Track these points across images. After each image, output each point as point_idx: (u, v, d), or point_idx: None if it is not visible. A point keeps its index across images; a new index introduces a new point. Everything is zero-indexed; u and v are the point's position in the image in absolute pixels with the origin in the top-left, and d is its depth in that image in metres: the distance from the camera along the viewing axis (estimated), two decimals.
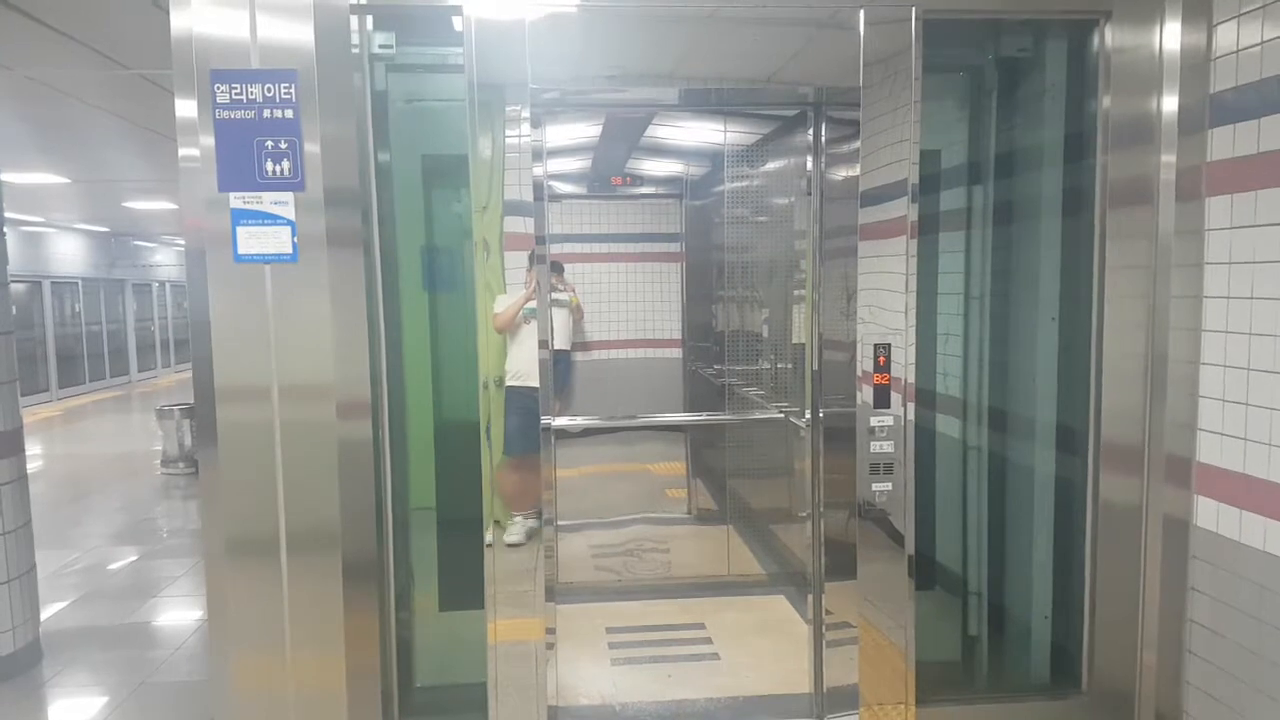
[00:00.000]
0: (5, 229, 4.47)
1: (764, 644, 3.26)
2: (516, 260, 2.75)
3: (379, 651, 2.81)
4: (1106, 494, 3.03)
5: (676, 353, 3.31)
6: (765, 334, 3.28)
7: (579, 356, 3.19)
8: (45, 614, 4.84)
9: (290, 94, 2.54)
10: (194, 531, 6.97)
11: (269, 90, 2.53)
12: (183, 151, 2.56)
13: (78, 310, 17.08)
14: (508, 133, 2.66)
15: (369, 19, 2.74)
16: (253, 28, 2.52)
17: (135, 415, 14.57)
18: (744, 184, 3.19)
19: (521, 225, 2.70)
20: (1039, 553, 3.29)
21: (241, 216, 2.56)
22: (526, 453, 2.82)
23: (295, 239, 2.58)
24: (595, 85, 2.83)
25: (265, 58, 2.53)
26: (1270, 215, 2.61)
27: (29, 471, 4.53)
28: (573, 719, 3.00)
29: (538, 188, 2.75)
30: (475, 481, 2.77)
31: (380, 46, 2.79)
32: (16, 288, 14.87)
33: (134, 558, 6.30)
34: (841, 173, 2.82)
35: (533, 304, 2.77)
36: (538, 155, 2.77)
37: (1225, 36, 2.79)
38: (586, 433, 3.20)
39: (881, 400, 2.84)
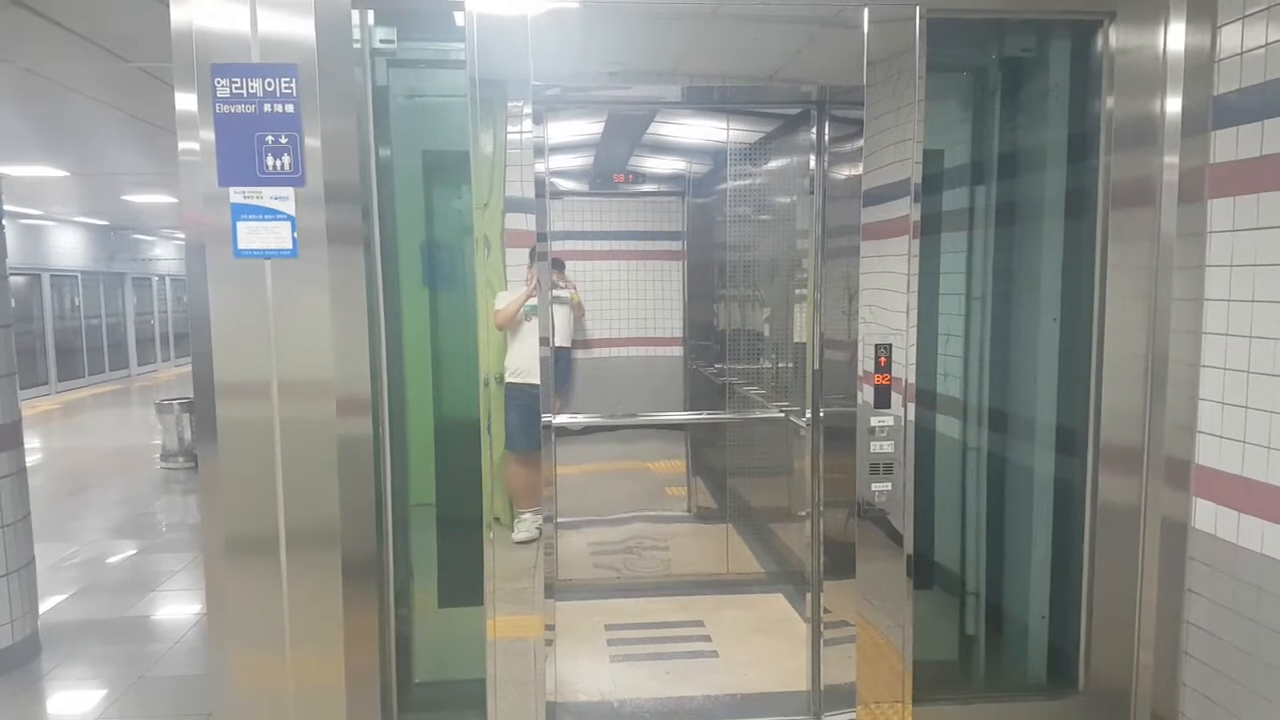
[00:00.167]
0: (4, 221, 4.46)
1: (762, 642, 3.26)
2: (518, 257, 2.74)
3: (378, 647, 2.81)
4: (1105, 495, 3.03)
5: (677, 351, 3.31)
6: (766, 333, 3.28)
7: (579, 354, 3.19)
8: (44, 607, 4.84)
9: (291, 88, 2.53)
10: (193, 526, 6.97)
11: (269, 85, 2.52)
12: (183, 146, 2.56)
13: (77, 303, 17.06)
14: (509, 129, 2.65)
15: (370, 14, 2.74)
16: (253, 21, 2.52)
17: (134, 409, 14.57)
18: (746, 182, 3.18)
19: (523, 222, 2.70)
20: (1037, 553, 3.29)
21: (242, 211, 2.55)
22: (526, 449, 2.82)
23: (295, 234, 2.58)
24: (597, 82, 2.82)
25: (266, 52, 2.53)
26: (1272, 218, 2.61)
27: (28, 465, 4.53)
28: (571, 715, 3.01)
29: (539, 184, 2.74)
30: (475, 478, 2.77)
31: (381, 41, 2.78)
32: (15, 280, 14.85)
33: (133, 552, 6.30)
34: (844, 172, 2.82)
35: (533, 301, 2.76)
36: (539, 152, 2.76)
37: (1230, 38, 2.78)
38: (587, 430, 3.20)
39: (882, 400, 2.84)
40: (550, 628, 2.92)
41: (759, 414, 3.26)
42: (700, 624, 3.32)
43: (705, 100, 3.07)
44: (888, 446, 2.85)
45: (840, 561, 2.91)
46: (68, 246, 16.63)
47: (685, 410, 3.37)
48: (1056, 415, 3.22)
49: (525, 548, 2.81)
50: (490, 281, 2.73)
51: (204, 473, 2.68)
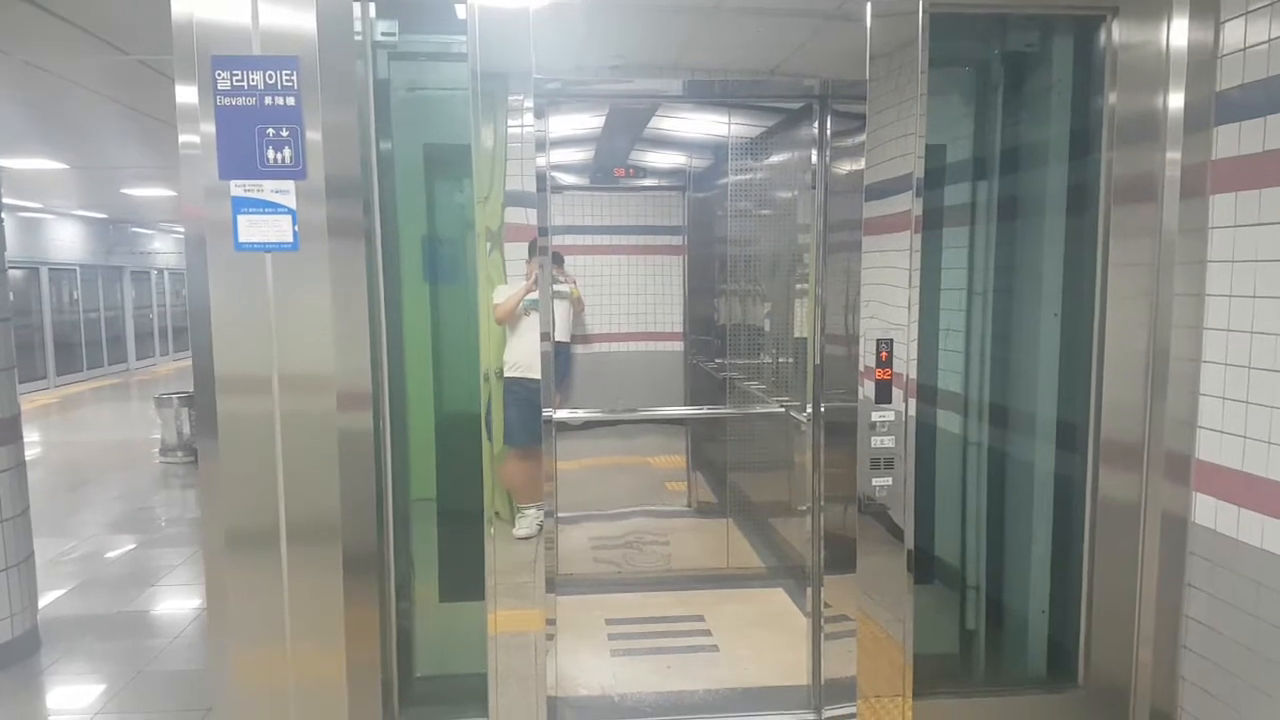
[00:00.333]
0: (3, 215, 4.45)
1: (763, 636, 3.26)
2: (518, 251, 2.74)
3: (379, 642, 2.81)
4: (1106, 490, 3.04)
5: (678, 346, 3.31)
6: (767, 328, 3.28)
7: (579, 349, 3.19)
8: (42, 602, 4.84)
9: (292, 81, 2.52)
10: (192, 520, 6.97)
11: (270, 77, 2.51)
12: (183, 138, 2.55)
13: (75, 297, 17.04)
14: (511, 122, 2.64)
15: (371, 6, 2.72)
16: (254, 13, 2.51)
17: (133, 403, 14.56)
18: (747, 177, 3.18)
19: (524, 216, 2.69)
20: (1037, 548, 3.30)
21: (242, 204, 2.55)
22: (525, 444, 2.82)
23: (296, 228, 2.57)
24: (599, 75, 2.81)
25: (267, 44, 2.52)
26: (1274, 214, 2.61)
27: (26, 459, 4.52)
28: (572, 709, 3.01)
29: (540, 179, 2.73)
30: (476, 473, 2.77)
31: (383, 34, 2.77)
32: (14, 274, 14.84)
33: (132, 546, 6.30)
34: (846, 166, 2.81)
35: (533, 295, 2.76)
36: (541, 146, 2.75)
37: (1232, 34, 2.78)
38: (587, 425, 3.20)
39: (883, 395, 2.83)
40: (551, 622, 2.92)
41: (759, 409, 3.26)
42: (701, 618, 3.32)
43: (707, 94, 3.07)
44: (888, 441, 2.85)
45: (841, 556, 2.91)
46: (66, 240, 16.60)
47: (686, 405, 3.36)
48: (1057, 410, 3.22)
49: (526, 543, 2.81)
50: (491, 276, 2.73)
51: (204, 467, 2.67)
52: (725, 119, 3.19)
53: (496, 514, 2.78)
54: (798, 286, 3.09)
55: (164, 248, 21.06)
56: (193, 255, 2.60)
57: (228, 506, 2.66)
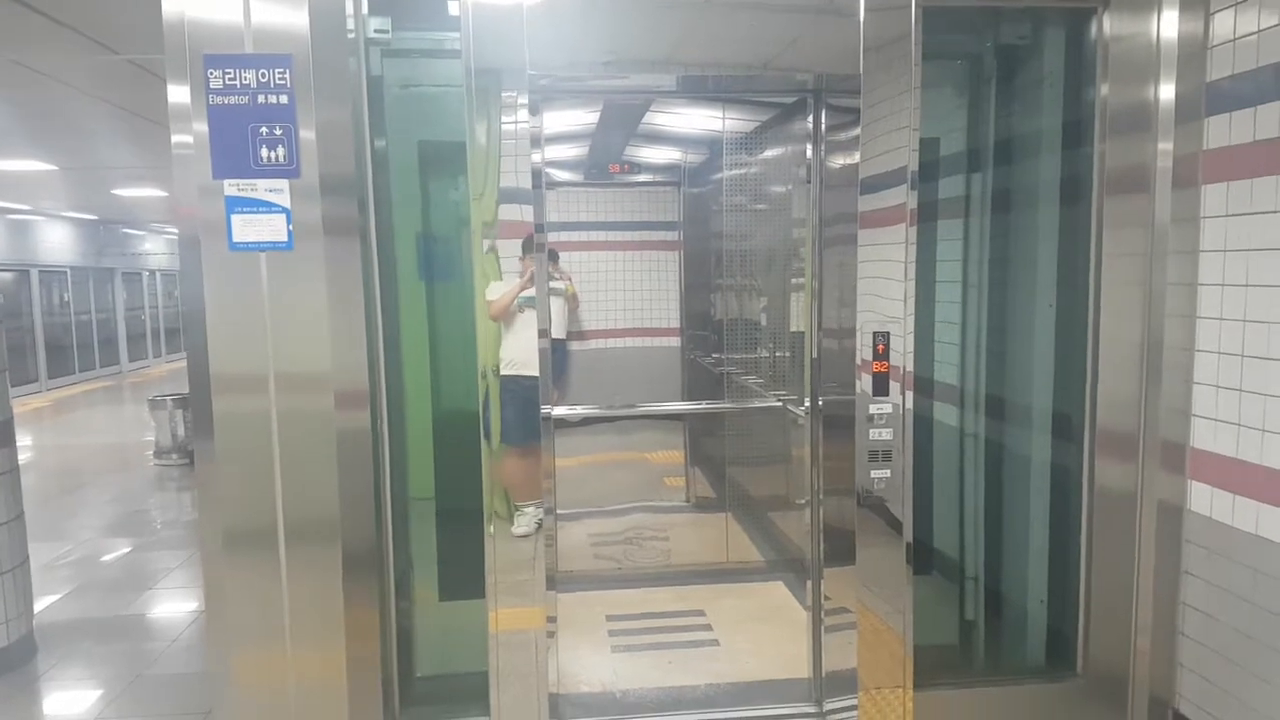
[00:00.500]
0: None
1: (763, 630, 3.27)
2: (513, 248, 2.74)
3: (379, 642, 2.81)
4: (1102, 480, 3.05)
5: (674, 341, 3.30)
6: (763, 322, 3.28)
7: (575, 345, 3.19)
8: (38, 607, 4.82)
9: (285, 79, 2.51)
10: (188, 523, 6.95)
11: (263, 75, 2.50)
12: (176, 138, 2.53)
13: (66, 299, 16.96)
14: (505, 119, 2.64)
15: (364, 3, 2.71)
16: (246, 11, 2.50)
17: (127, 406, 14.50)
18: (742, 171, 3.18)
19: (520, 213, 2.69)
20: (1035, 538, 3.31)
21: (236, 204, 2.54)
22: (522, 442, 2.82)
23: (291, 227, 2.56)
24: (593, 71, 2.81)
25: (259, 42, 2.51)
26: (1265, 203, 2.62)
27: (19, 463, 4.50)
28: (574, 706, 3.01)
29: (536, 175, 2.73)
30: (474, 471, 2.76)
31: (376, 31, 2.76)
32: (3, 277, 14.78)
33: (128, 549, 6.28)
34: (841, 160, 2.82)
35: (528, 293, 2.76)
36: (535, 142, 2.75)
37: (1222, 24, 2.79)
38: (585, 422, 3.19)
39: (880, 388, 2.84)
40: (552, 619, 2.92)
41: (757, 403, 3.26)
42: (701, 613, 3.32)
43: (701, 89, 3.07)
44: (886, 434, 2.86)
45: (840, 548, 2.91)
46: (56, 242, 16.52)
47: (683, 400, 3.36)
48: (1053, 401, 3.24)
49: (526, 540, 2.81)
50: (487, 273, 2.72)
51: (201, 468, 2.67)
52: (719, 114, 3.19)
53: (496, 512, 2.78)
54: (793, 281, 3.09)
55: (155, 249, 20.97)
56: (187, 255, 2.59)
57: (225, 507, 2.65)
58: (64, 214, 16.12)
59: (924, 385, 3.46)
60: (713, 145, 3.20)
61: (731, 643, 3.23)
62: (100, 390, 16.27)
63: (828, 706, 2.98)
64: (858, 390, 2.85)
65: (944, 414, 3.53)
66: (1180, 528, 2.97)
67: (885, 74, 2.75)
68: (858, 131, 2.76)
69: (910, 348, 2.82)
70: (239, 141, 2.52)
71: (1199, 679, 2.93)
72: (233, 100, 2.51)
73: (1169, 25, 2.89)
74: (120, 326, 19.08)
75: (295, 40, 2.52)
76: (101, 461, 9.55)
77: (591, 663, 3.13)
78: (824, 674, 2.98)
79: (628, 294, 3.22)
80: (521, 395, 2.77)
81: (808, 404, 3.00)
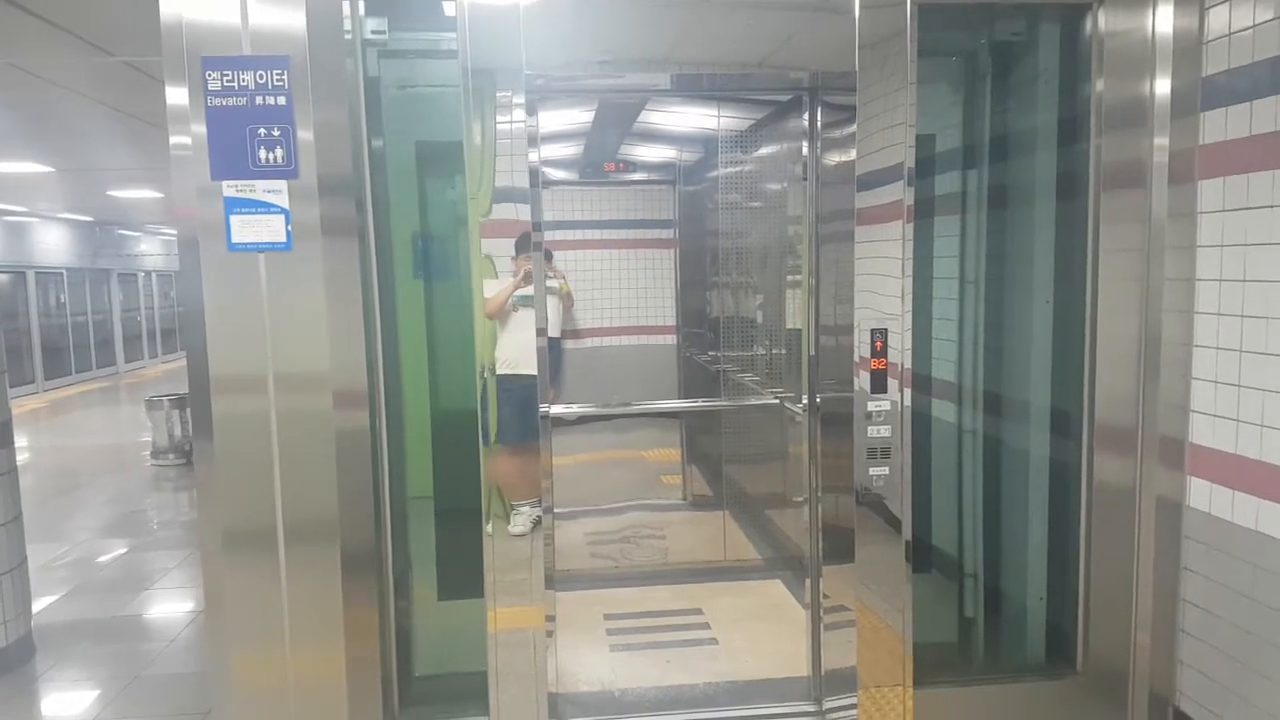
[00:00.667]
0: None
1: (761, 628, 3.27)
2: (510, 247, 2.74)
3: (378, 641, 2.81)
4: (1101, 476, 3.05)
5: (671, 339, 3.30)
6: (760, 320, 3.28)
7: (570, 344, 3.19)
8: (36, 608, 4.81)
9: (283, 80, 2.51)
10: (185, 523, 6.94)
11: (261, 77, 2.50)
12: (174, 140, 2.54)
13: (63, 300, 16.93)
14: (502, 118, 2.64)
15: (361, 4, 2.71)
16: (244, 13, 2.50)
17: (123, 406, 14.48)
18: (737, 169, 3.18)
19: (517, 212, 2.69)
20: (1034, 535, 3.31)
21: (235, 205, 2.54)
22: (518, 441, 2.82)
23: (289, 227, 2.56)
24: (588, 70, 2.81)
25: (257, 44, 2.51)
26: (1262, 198, 2.63)
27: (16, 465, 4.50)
28: (573, 706, 3.01)
29: (533, 174, 2.73)
30: (473, 470, 2.77)
31: (373, 32, 2.76)
32: (0, 278, 14.76)
33: (125, 550, 6.27)
34: (837, 157, 2.82)
35: (523, 291, 2.76)
36: (532, 141, 2.75)
37: (1217, 20, 2.79)
38: (581, 420, 3.19)
39: (878, 385, 2.84)
40: (551, 619, 2.92)
41: (754, 401, 3.26)
42: (699, 611, 3.32)
43: (696, 88, 3.07)
44: (885, 431, 2.86)
45: (839, 546, 2.92)
46: (52, 243, 16.49)
47: (680, 399, 3.36)
48: (1051, 397, 3.24)
49: (524, 539, 2.81)
50: (484, 272, 2.73)
51: (200, 468, 2.67)
52: (715, 112, 3.19)
53: (494, 511, 2.78)
54: (790, 278, 3.09)
55: (151, 250, 20.93)
56: (185, 256, 2.59)
57: (225, 507, 2.65)
58: (60, 215, 16.09)
59: (922, 382, 3.46)
60: (708, 143, 3.20)
61: (730, 641, 3.23)
62: (96, 391, 16.25)
63: (827, 705, 2.98)
64: (856, 387, 2.85)
65: (942, 411, 3.53)
66: (1179, 524, 2.97)
67: (881, 71, 2.75)
68: (854, 128, 2.77)
69: (908, 344, 2.83)
70: (237, 143, 2.52)
71: (1199, 675, 2.93)
72: (231, 102, 2.51)
73: (1164, 20, 2.89)
74: (116, 327, 19.05)
75: (293, 42, 2.52)
76: (98, 462, 9.54)
77: (590, 662, 3.13)
78: (823, 672, 2.99)
79: (623, 292, 3.22)
80: (518, 394, 2.78)
81: (805, 401, 3.00)
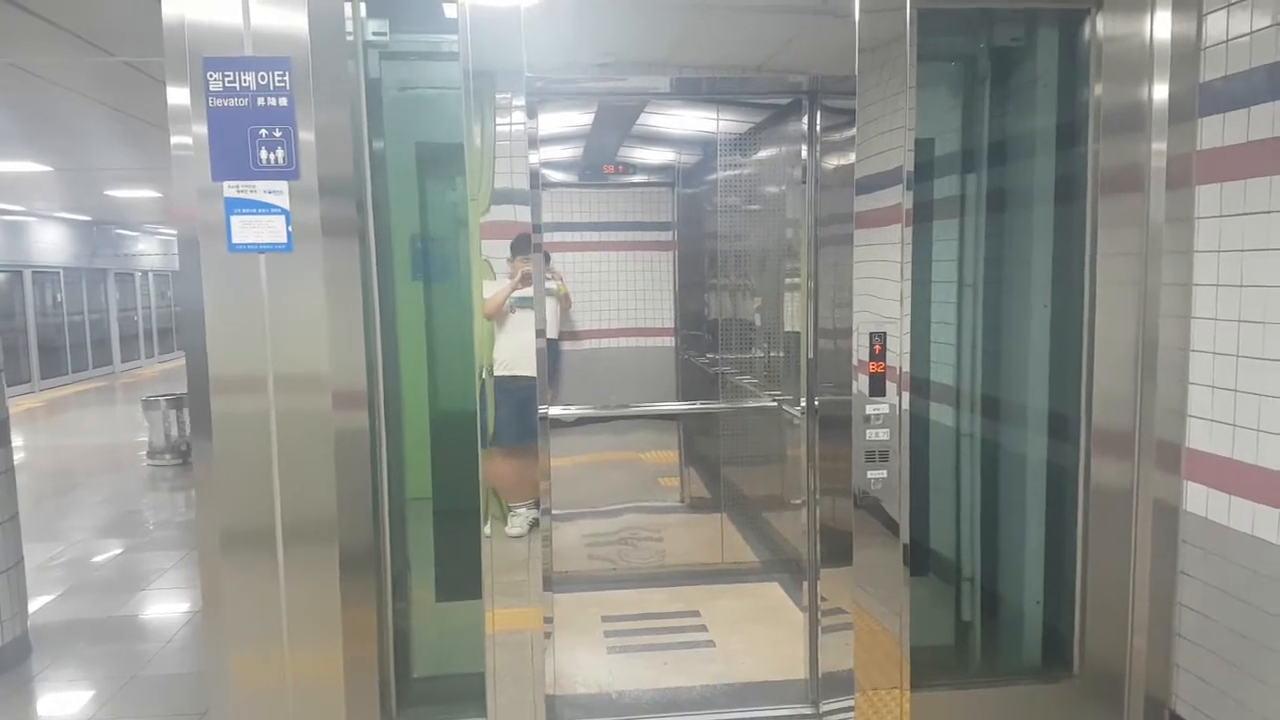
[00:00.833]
0: None
1: (759, 631, 3.27)
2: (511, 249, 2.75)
3: (376, 642, 2.81)
4: (1098, 480, 3.06)
5: (669, 341, 3.31)
6: (758, 322, 3.28)
7: (567, 345, 3.19)
8: (32, 607, 4.80)
9: (284, 81, 2.52)
10: (181, 523, 6.94)
11: (263, 78, 2.51)
12: (175, 140, 2.54)
13: (59, 300, 16.91)
14: (503, 120, 2.65)
15: (362, 5, 2.72)
16: (246, 14, 2.50)
17: (119, 406, 14.46)
18: (736, 172, 3.18)
19: (517, 214, 2.70)
20: (1031, 538, 3.32)
21: (235, 205, 2.54)
22: (515, 443, 2.82)
23: (290, 228, 2.57)
24: (589, 73, 2.82)
25: (259, 45, 2.51)
26: (1259, 203, 2.64)
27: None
28: (570, 707, 3.01)
29: (533, 176, 2.74)
30: (471, 472, 2.77)
31: (374, 33, 2.77)
32: None
33: (121, 550, 6.27)
34: (836, 161, 2.82)
35: (521, 293, 2.76)
36: (533, 143, 2.76)
37: (1215, 26, 2.80)
38: (579, 422, 3.19)
39: (877, 388, 2.85)
40: (549, 620, 2.92)
41: (751, 403, 3.26)
42: (696, 614, 3.33)
43: (696, 91, 3.07)
44: (883, 434, 2.87)
45: (837, 549, 2.92)
46: (50, 243, 16.47)
47: (677, 401, 3.37)
48: (1049, 401, 3.25)
49: (522, 541, 2.81)
50: (484, 273, 2.73)
51: (199, 468, 2.67)
52: (714, 115, 3.20)
53: (492, 513, 2.79)
54: (788, 281, 3.10)
55: (149, 250, 20.91)
56: (186, 257, 2.59)
57: (223, 507, 2.65)
58: (57, 215, 16.07)
59: (920, 386, 3.47)
60: (707, 146, 3.20)
61: (727, 643, 3.23)
62: (93, 391, 16.22)
63: (824, 707, 2.98)
64: (854, 391, 2.86)
65: (940, 414, 3.54)
66: (1176, 528, 2.98)
67: (880, 75, 2.76)
68: (853, 132, 2.77)
69: (907, 348, 2.83)
70: (238, 143, 2.52)
71: (1195, 679, 2.94)
72: (232, 102, 2.51)
73: (1162, 26, 2.90)
74: (113, 327, 19.03)
75: (294, 43, 2.52)
76: (94, 462, 9.52)
77: (587, 663, 3.13)
78: (820, 675, 2.99)
79: (622, 294, 3.23)
80: (516, 395, 2.78)
81: (803, 404, 3.00)
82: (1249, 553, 2.69)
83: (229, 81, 2.50)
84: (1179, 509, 2.96)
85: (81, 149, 8.18)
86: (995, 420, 3.43)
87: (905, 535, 2.90)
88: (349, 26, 2.64)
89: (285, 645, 2.71)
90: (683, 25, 2.80)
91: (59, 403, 14.63)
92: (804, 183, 2.94)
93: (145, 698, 4.01)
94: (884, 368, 2.83)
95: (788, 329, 3.12)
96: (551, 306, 3.08)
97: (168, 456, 8.98)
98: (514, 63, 2.63)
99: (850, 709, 2.94)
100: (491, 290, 2.74)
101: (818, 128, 2.87)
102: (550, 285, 3.07)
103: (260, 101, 2.51)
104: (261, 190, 2.54)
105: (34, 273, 15.89)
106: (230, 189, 2.54)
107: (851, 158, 2.78)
